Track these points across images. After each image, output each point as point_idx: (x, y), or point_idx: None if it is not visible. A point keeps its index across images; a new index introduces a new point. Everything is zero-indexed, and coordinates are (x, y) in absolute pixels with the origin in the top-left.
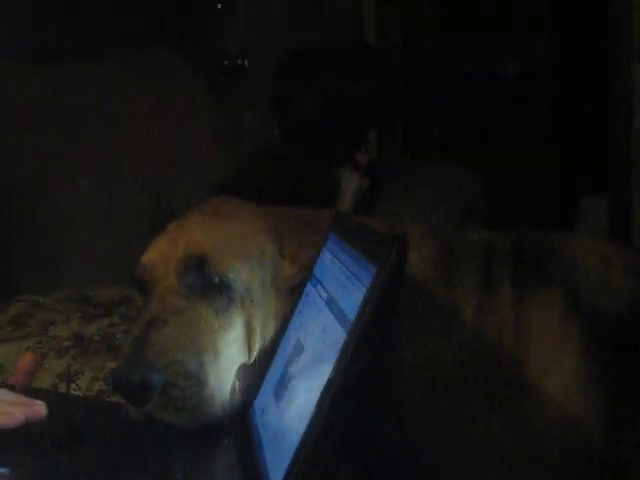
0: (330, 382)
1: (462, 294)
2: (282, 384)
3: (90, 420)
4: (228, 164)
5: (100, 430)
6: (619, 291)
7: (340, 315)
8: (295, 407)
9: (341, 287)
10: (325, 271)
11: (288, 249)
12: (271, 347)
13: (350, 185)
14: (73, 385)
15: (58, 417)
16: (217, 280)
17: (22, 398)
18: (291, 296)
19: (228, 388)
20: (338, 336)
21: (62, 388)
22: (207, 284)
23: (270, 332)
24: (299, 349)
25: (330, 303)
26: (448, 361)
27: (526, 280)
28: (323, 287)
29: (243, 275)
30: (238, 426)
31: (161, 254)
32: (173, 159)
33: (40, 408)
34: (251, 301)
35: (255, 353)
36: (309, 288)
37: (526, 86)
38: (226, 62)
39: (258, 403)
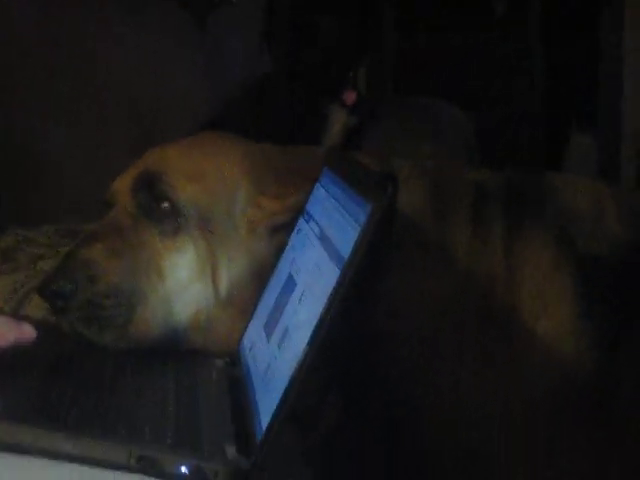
0: (322, 319)
1: (452, 233)
2: (273, 319)
3: (80, 349)
4: (217, 100)
5: (90, 359)
6: (612, 233)
7: (333, 252)
8: (286, 343)
9: (335, 224)
10: (318, 207)
11: (270, 187)
12: (251, 284)
13: (337, 122)
14: None
15: (47, 345)
16: (166, 202)
17: (11, 320)
18: (272, 236)
19: (169, 312)
20: (331, 273)
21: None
22: (156, 205)
23: (240, 269)
24: (291, 284)
25: (323, 239)
26: (438, 301)
27: (518, 221)
28: (316, 223)
29: (199, 202)
30: (227, 360)
31: (124, 177)
32: (162, 94)
33: (29, 330)
34: (210, 232)
35: (223, 287)
36: (302, 224)
37: (515, 22)
38: None
39: (247, 337)
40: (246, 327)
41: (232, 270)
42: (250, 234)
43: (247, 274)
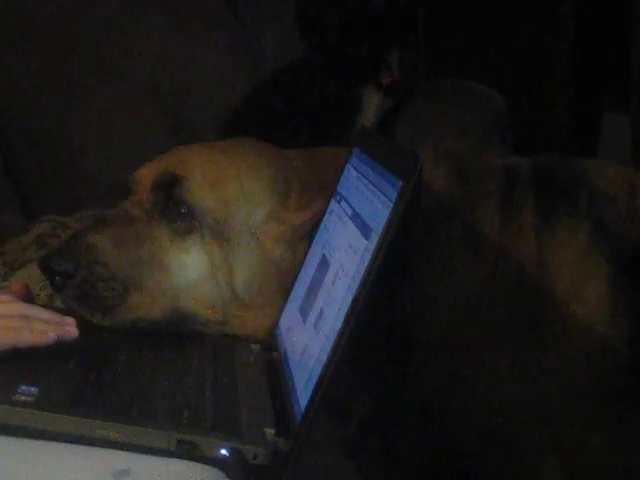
0: (357, 296)
1: (481, 219)
2: (308, 301)
3: (116, 336)
4: (248, 83)
5: (127, 345)
6: None
7: (366, 229)
8: (322, 323)
9: (366, 202)
10: (349, 187)
11: (294, 199)
12: (273, 287)
13: (372, 104)
14: None
15: (84, 333)
16: (182, 204)
17: (56, 316)
18: (294, 246)
19: (171, 305)
20: (364, 250)
21: None
22: (171, 204)
23: (261, 276)
24: (325, 265)
25: (355, 218)
26: (469, 286)
27: (550, 206)
28: (348, 203)
29: (217, 212)
30: (263, 344)
31: (148, 169)
32: (193, 83)
33: (72, 329)
34: (225, 241)
35: (242, 291)
36: (333, 205)
37: (547, 2)
38: None
39: (283, 320)
40: (280, 312)
41: (252, 276)
42: (271, 246)
43: (268, 280)
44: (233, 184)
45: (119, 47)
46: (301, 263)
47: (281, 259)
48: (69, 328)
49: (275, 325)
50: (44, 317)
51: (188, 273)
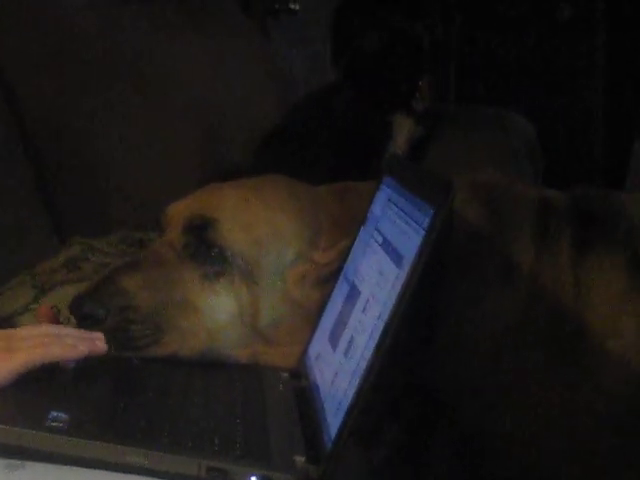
0: (389, 322)
1: (515, 250)
2: (338, 329)
3: (145, 361)
4: (279, 104)
5: (156, 371)
6: None
7: (397, 257)
8: (352, 351)
9: (397, 229)
10: (380, 215)
11: (323, 238)
12: (298, 327)
13: (403, 131)
14: None
15: (113, 358)
16: (213, 247)
17: (85, 333)
18: (320, 286)
19: (199, 343)
20: (396, 278)
21: None
22: (202, 247)
23: (285, 317)
24: (354, 293)
25: (386, 245)
26: (503, 318)
27: (587, 240)
28: (378, 230)
29: (248, 254)
30: (292, 371)
31: (182, 207)
32: (225, 101)
33: (101, 344)
34: (255, 283)
35: (267, 331)
36: (362, 233)
37: (580, 29)
38: (277, 5)
39: (312, 349)
40: (309, 341)
41: (278, 316)
42: (297, 286)
43: (294, 319)
44: (264, 226)
45: (155, 64)
46: (328, 299)
47: (307, 298)
48: (99, 343)
49: (304, 353)
50: (74, 334)
51: (218, 315)
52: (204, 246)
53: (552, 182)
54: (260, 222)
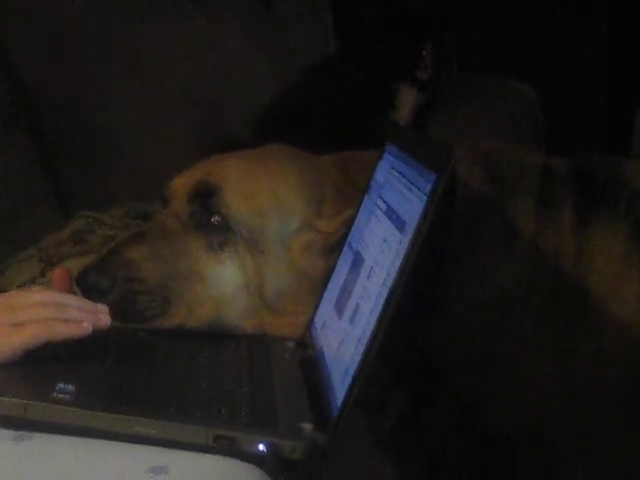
0: (394, 287)
1: (518, 217)
2: (343, 297)
3: (151, 332)
4: (280, 79)
5: (162, 342)
6: None
7: (400, 223)
8: (358, 318)
9: (400, 196)
10: (383, 182)
11: (327, 207)
12: (304, 296)
13: (407, 100)
14: None
15: (119, 329)
16: (218, 216)
17: (87, 303)
18: (326, 255)
19: (206, 314)
20: (399, 244)
21: None
22: (208, 217)
23: (291, 285)
24: (359, 261)
25: (390, 213)
26: (505, 284)
27: (589, 206)
28: (381, 198)
29: (252, 222)
30: (298, 340)
31: (185, 179)
32: (225, 75)
33: (105, 317)
34: (261, 251)
35: (272, 301)
36: (366, 200)
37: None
38: None
39: (318, 318)
40: (315, 310)
41: (284, 285)
42: (303, 255)
43: (300, 288)
44: (268, 195)
45: (153, 42)
46: (333, 268)
47: (313, 267)
48: (102, 316)
49: (310, 322)
50: (76, 304)
51: (224, 285)
52: (208, 214)
53: (555, 149)
54: (263, 191)
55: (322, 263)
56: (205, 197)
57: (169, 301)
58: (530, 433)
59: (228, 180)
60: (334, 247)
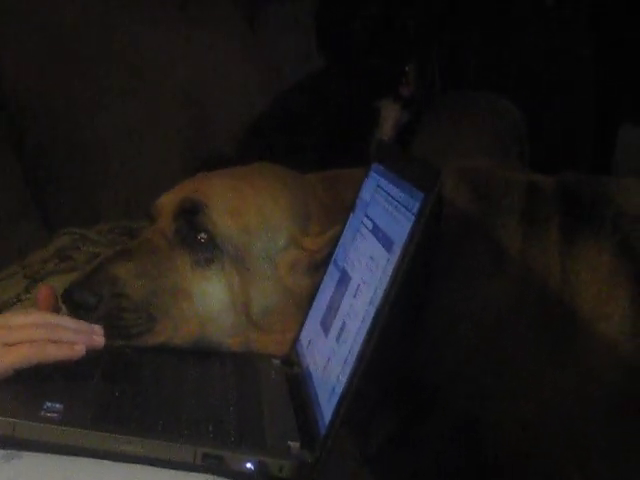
0: (381, 306)
1: (504, 235)
2: (329, 315)
3: (139, 351)
4: (266, 92)
5: (149, 360)
6: None
7: (387, 242)
8: (344, 336)
9: (387, 215)
10: (369, 201)
11: (314, 225)
12: (290, 313)
13: (389, 116)
14: None
15: (110, 352)
16: (204, 233)
17: (83, 325)
18: (311, 273)
19: (192, 331)
20: (387, 262)
21: None
22: (194, 234)
23: (277, 303)
24: (345, 279)
25: (376, 231)
26: (492, 303)
27: (575, 226)
28: (367, 216)
29: (238, 240)
30: (284, 358)
31: (171, 197)
32: (211, 90)
33: (99, 338)
34: (246, 269)
35: (259, 318)
36: (352, 219)
37: (566, 14)
38: None
39: (304, 335)
40: (301, 327)
41: (270, 303)
42: (289, 272)
43: (286, 306)
44: (254, 212)
45: (141, 55)
46: (319, 286)
47: (299, 285)
48: (96, 337)
49: (296, 339)
50: (72, 326)
51: (210, 302)
52: (194, 231)
53: (539, 167)
54: (250, 209)
55: (308, 281)
56: (191, 214)
57: (155, 318)
58: (521, 453)
59: (214, 197)
60: (320, 265)
